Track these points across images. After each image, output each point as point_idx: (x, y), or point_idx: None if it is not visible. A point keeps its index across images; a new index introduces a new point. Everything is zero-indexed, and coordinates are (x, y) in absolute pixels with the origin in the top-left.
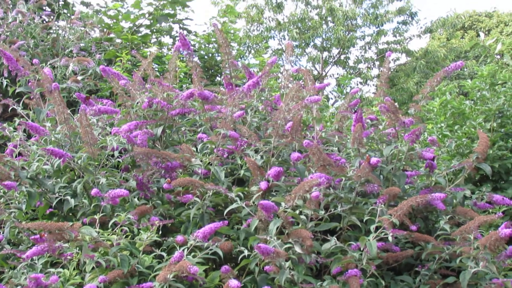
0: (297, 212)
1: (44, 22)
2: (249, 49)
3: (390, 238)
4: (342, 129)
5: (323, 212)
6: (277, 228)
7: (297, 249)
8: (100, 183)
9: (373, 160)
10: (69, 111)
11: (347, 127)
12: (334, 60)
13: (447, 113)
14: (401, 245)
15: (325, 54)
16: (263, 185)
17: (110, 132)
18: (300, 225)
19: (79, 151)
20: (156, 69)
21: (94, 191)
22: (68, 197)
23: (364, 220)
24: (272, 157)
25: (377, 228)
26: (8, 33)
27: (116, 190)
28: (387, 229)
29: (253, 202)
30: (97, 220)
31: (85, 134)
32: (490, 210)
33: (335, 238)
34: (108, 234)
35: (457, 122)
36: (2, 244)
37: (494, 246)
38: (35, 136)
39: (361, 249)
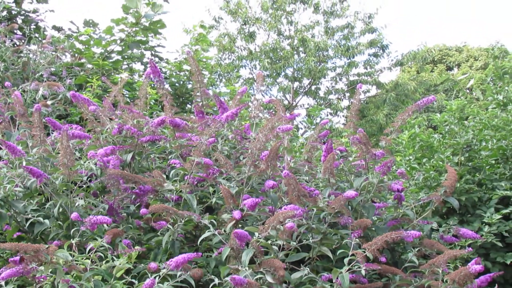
0: (270, 242)
1: (15, 45)
2: (220, 78)
3: (363, 272)
4: (311, 160)
5: (295, 243)
6: (249, 258)
7: (269, 279)
8: (77, 205)
9: (350, 193)
10: (44, 134)
11: (316, 157)
12: (304, 91)
13: (415, 146)
14: (369, 277)
15: (296, 84)
16: (236, 214)
17: (79, 157)
18: (271, 255)
19: (56, 173)
20: (127, 96)
21: (74, 215)
22: (41, 219)
23: (337, 252)
24: (245, 187)
25: (350, 261)
26: None
27: (98, 217)
28: (361, 263)
29: (224, 231)
30: (74, 244)
31: (64, 156)
32: (456, 243)
33: (308, 269)
34: (82, 259)
35: (425, 155)
36: None
37: (463, 281)
38: (3, 160)
39: (333, 280)
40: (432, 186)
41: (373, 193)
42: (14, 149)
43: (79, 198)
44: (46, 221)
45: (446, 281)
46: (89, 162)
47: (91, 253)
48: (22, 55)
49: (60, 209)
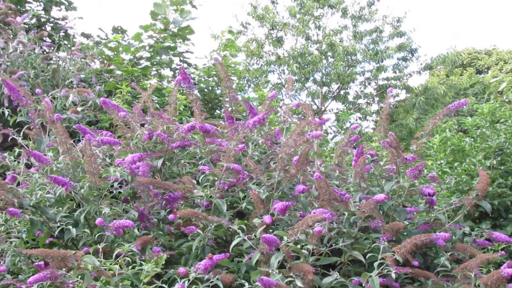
0: (299, 246)
1: (45, 52)
2: (249, 83)
3: (393, 275)
4: (342, 164)
5: (325, 248)
6: (278, 262)
7: (298, 283)
8: (103, 213)
9: (380, 196)
10: (71, 141)
11: (347, 162)
12: (333, 95)
13: (446, 150)
14: (401, 281)
15: (325, 89)
16: (267, 219)
17: (110, 163)
18: (301, 259)
19: (82, 181)
20: (156, 102)
21: (98, 220)
22: (70, 227)
23: (365, 255)
24: (275, 191)
25: (379, 265)
26: (8, 63)
27: (121, 221)
28: (391, 266)
29: (255, 236)
30: (100, 250)
31: (89, 164)
32: (489, 247)
33: (337, 273)
34: (111, 264)
35: (456, 159)
36: (3, 274)
37: (495, 284)
38: (35, 166)
39: (363, 284)
40: (464, 190)
41: (404, 197)
42: (40, 157)
43: (105, 207)
44: (74, 229)
45: (479, 285)
46: (115, 170)
47: (119, 259)
48: (51, 62)
49: (90, 215)
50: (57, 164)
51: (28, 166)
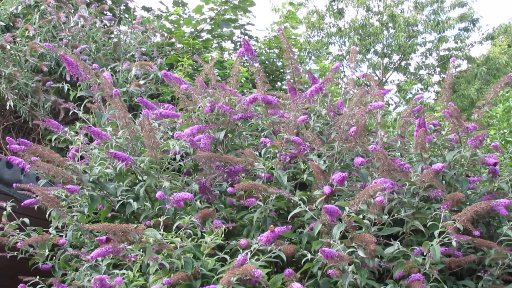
0: (361, 216)
1: (106, 26)
2: (310, 55)
3: (454, 243)
4: (404, 135)
5: (386, 216)
6: (340, 232)
7: (360, 253)
8: (163, 186)
9: (438, 166)
10: (130, 116)
11: (409, 132)
12: (394, 66)
13: (510, 119)
14: (463, 250)
15: (386, 60)
16: (326, 189)
17: (172, 136)
18: (363, 230)
19: (142, 155)
20: (217, 74)
21: (158, 193)
22: (131, 200)
23: (427, 225)
24: (335, 162)
25: (440, 233)
26: (70, 37)
27: (180, 193)
28: (451, 234)
29: (316, 206)
30: (161, 223)
31: (148, 138)
32: None
33: (398, 243)
34: (172, 237)
35: None
36: (65, 247)
37: None
38: (96, 140)
39: (424, 254)
40: None
41: (466, 167)
42: (99, 133)
43: (164, 180)
44: (134, 203)
45: None
46: (173, 144)
47: (180, 231)
48: (112, 36)
49: (151, 189)
50: (117, 139)
51: (91, 139)
